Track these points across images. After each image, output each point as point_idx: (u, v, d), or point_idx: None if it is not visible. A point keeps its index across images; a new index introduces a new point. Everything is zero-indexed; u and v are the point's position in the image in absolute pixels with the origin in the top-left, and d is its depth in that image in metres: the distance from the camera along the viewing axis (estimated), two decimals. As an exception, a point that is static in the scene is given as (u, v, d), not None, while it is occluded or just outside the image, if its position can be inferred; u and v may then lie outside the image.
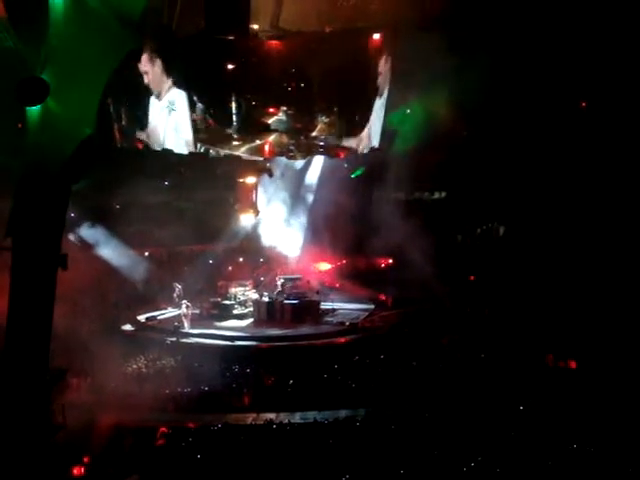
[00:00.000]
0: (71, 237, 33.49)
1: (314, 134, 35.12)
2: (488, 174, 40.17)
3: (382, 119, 36.83)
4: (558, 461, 19.17)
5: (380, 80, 34.99)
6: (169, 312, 37.37)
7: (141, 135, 36.54)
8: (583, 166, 37.27)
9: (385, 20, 32.57)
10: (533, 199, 39.03)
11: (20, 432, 17.71)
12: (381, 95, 35.60)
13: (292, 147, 35.55)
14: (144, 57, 31.30)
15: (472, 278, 39.51)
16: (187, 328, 33.97)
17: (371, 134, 36.59)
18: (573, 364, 27.50)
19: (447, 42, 32.63)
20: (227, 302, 37.09)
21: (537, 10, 34.23)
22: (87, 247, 37.49)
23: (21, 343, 17.81)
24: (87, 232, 38.39)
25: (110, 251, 38.71)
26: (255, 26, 31.88)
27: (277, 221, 43.19)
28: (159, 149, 36.23)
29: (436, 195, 46.26)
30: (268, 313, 35.76)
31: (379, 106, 35.96)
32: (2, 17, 24.45)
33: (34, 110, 17.65)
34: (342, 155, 37.34)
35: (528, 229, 40.02)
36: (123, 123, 36.65)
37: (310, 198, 43.54)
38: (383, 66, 34.61)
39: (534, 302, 33.13)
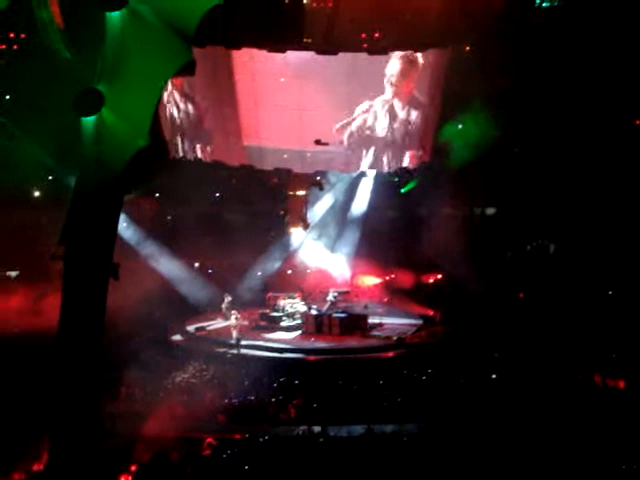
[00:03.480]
0: (123, 247, 33.75)
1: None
2: (539, 191, 39.93)
3: (433, 134, 36.76)
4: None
5: (431, 94, 34.93)
6: (218, 323, 37.56)
7: (193, 147, 36.96)
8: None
9: (439, 35, 32.53)
10: (584, 217, 38.72)
11: (72, 438, 17.90)
12: (431, 108, 35.53)
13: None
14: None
15: (522, 295, 39.22)
16: (235, 339, 34.09)
17: (422, 148, 36.52)
18: (622, 384, 27.20)
19: (501, 58, 32.55)
20: (275, 314, 37.20)
21: (593, 28, 34.05)
22: (138, 257, 37.92)
23: (73, 351, 18.00)
24: (139, 243, 38.85)
25: (161, 262, 39.12)
26: (309, 40, 32.03)
27: (327, 234, 43.24)
28: (211, 161, 36.59)
29: (486, 211, 46.08)
30: (316, 326, 35.77)
31: (429, 120, 35.89)
32: (60, 30, 24.92)
33: (89, 121, 17.87)
34: (393, 169, 37.31)
35: (579, 247, 39.70)
36: (176, 135, 37.07)
37: (360, 212, 43.50)
38: (435, 80, 34.55)
39: (583, 320, 32.84)
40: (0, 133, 34.06)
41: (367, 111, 34.07)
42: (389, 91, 33.94)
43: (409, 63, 33.44)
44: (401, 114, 34.68)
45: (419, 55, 33.19)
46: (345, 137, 34.43)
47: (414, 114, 34.92)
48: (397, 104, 34.49)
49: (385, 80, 33.52)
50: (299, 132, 34.21)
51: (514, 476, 19.20)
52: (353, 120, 33.98)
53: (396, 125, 34.79)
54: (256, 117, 34.10)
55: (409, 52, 33.00)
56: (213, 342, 34.52)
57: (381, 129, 34.64)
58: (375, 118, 34.36)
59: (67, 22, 28.96)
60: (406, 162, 36.02)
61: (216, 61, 32.76)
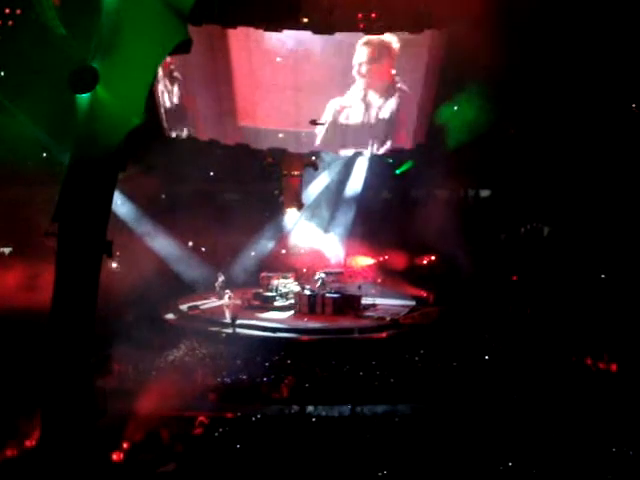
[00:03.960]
0: (117, 225, 33.66)
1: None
2: (534, 173, 39.93)
3: (428, 114, 36.73)
4: (597, 463, 19.04)
5: (427, 75, 34.89)
6: (211, 302, 37.60)
7: (188, 126, 36.91)
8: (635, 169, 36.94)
9: (435, 16, 32.44)
10: (579, 200, 38.73)
11: (64, 415, 17.93)
12: (427, 90, 35.49)
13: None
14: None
15: (515, 278, 39.28)
16: (229, 318, 34.12)
17: (417, 129, 36.51)
18: (614, 367, 27.29)
19: (497, 39, 32.41)
20: (269, 294, 37.21)
21: (591, 7, 33.91)
22: (133, 235, 37.87)
23: (65, 328, 18.00)
24: (133, 220, 38.79)
25: (155, 240, 39.08)
26: (305, 19, 31.91)
27: (321, 215, 43.22)
28: (206, 139, 36.56)
29: (481, 193, 46.09)
30: (309, 306, 35.79)
31: (423, 101, 35.86)
32: (56, 6, 24.78)
33: (84, 98, 17.79)
34: (388, 150, 37.34)
35: (573, 230, 39.74)
36: (171, 113, 37.01)
37: (354, 192, 43.48)
38: (431, 61, 34.48)
39: (576, 304, 32.91)
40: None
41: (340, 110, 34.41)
42: (360, 82, 34.04)
43: (379, 49, 33.48)
44: (377, 103, 34.75)
45: (393, 40, 33.24)
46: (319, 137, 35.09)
47: (393, 102, 34.98)
48: (372, 95, 34.57)
49: (354, 71, 33.66)
50: (295, 112, 34.22)
51: (505, 457, 19.25)
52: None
53: (372, 115, 34.97)
54: (252, 96, 34.05)
55: (377, 38, 33.11)
56: (206, 321, 34.55)
57: (358, 121, 34.96)
58: (349, 112, 34.61)
59: (63, -2, 28.87)
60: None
61: (212, 40, 32.65)
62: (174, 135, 37.51)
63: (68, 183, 18.22)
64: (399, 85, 34.72)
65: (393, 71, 34.42)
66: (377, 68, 33.93)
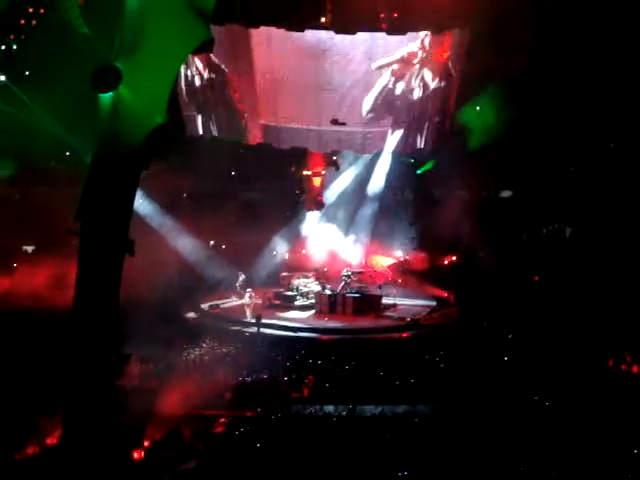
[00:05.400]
0: (139, 223, 33.77)
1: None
2: (556, 174, 39.76)
3: (450, 115, 36.60)
4: (618, 465, 18.93)
5: (449, 75, 34.76)
6: (232, 301, 37.68)
7: (210, 125, 36.91)
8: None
9: (457, 15, 32.29)
10: (602, 201, 38.51)
11: (86, 413, 17.99)
12: (450, 91, 35.36)
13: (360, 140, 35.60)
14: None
15: (536, 278, 39.13)
16: (249, 317, 34.18)
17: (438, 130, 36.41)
18: (635, 368, 27.11)
19: (519, 39, 32.31)
20: (289, 293, 37.28)
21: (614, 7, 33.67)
22: (154, 234, 37.93)
23: (87, 327, 18.07)
24: (155, 219, 38.86)
25: (176, 238, 39.15)
26: (327, 19, 31.89)
27: (342, 214, 43.24)
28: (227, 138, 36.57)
29: (503, 193, 45.93)
30: (330, 305, 35.81)
31: (447, 101, 35.74)
32: (79, 5, 24.89)
33: (107, 97, 17.88)
34: (409, 151, 37.23)
35: (595, 231, 39.52)
36: (192, 112, 37.01)
37: (375, 192, 43.48)
38: (453, 61, 34.34)
39: (598, 305, 32.73)
40: (17, 107, 34.12)
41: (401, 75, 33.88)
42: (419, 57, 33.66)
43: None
44: (432, 85, 34.33)
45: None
46: (370, 103, 34.14)
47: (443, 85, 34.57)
48: (427, 74, 34.06)
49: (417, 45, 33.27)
50: (316, 111, 34.15)
51: (526, 458, 19.19)
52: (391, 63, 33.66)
53: (425, 96, 34.47)
54: (273, 95, 34.04)
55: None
56: (227, 320, 34.64)
57: (409, 98, 34.44)
58: (406, 85, 34.08)
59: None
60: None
61: (234, 38, 32.66)
62: (197, 134, 37.47)
63: (91, 182, 18.30)
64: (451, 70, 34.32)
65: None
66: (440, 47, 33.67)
